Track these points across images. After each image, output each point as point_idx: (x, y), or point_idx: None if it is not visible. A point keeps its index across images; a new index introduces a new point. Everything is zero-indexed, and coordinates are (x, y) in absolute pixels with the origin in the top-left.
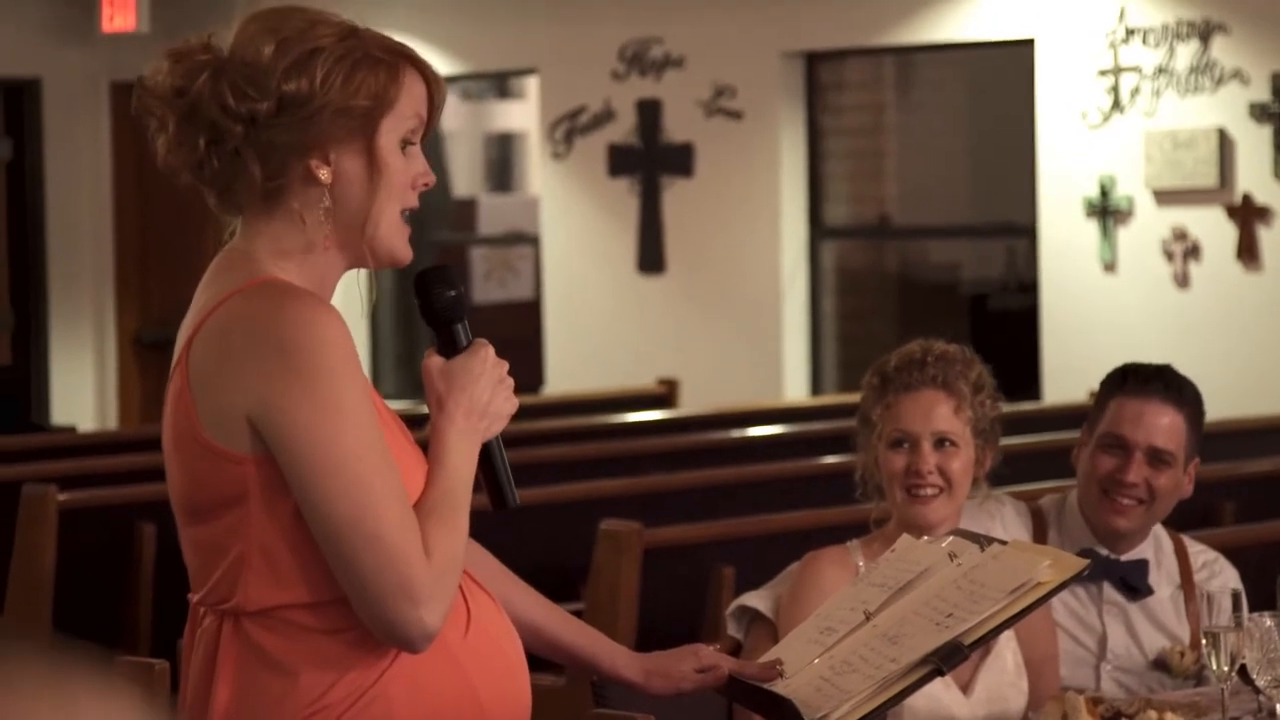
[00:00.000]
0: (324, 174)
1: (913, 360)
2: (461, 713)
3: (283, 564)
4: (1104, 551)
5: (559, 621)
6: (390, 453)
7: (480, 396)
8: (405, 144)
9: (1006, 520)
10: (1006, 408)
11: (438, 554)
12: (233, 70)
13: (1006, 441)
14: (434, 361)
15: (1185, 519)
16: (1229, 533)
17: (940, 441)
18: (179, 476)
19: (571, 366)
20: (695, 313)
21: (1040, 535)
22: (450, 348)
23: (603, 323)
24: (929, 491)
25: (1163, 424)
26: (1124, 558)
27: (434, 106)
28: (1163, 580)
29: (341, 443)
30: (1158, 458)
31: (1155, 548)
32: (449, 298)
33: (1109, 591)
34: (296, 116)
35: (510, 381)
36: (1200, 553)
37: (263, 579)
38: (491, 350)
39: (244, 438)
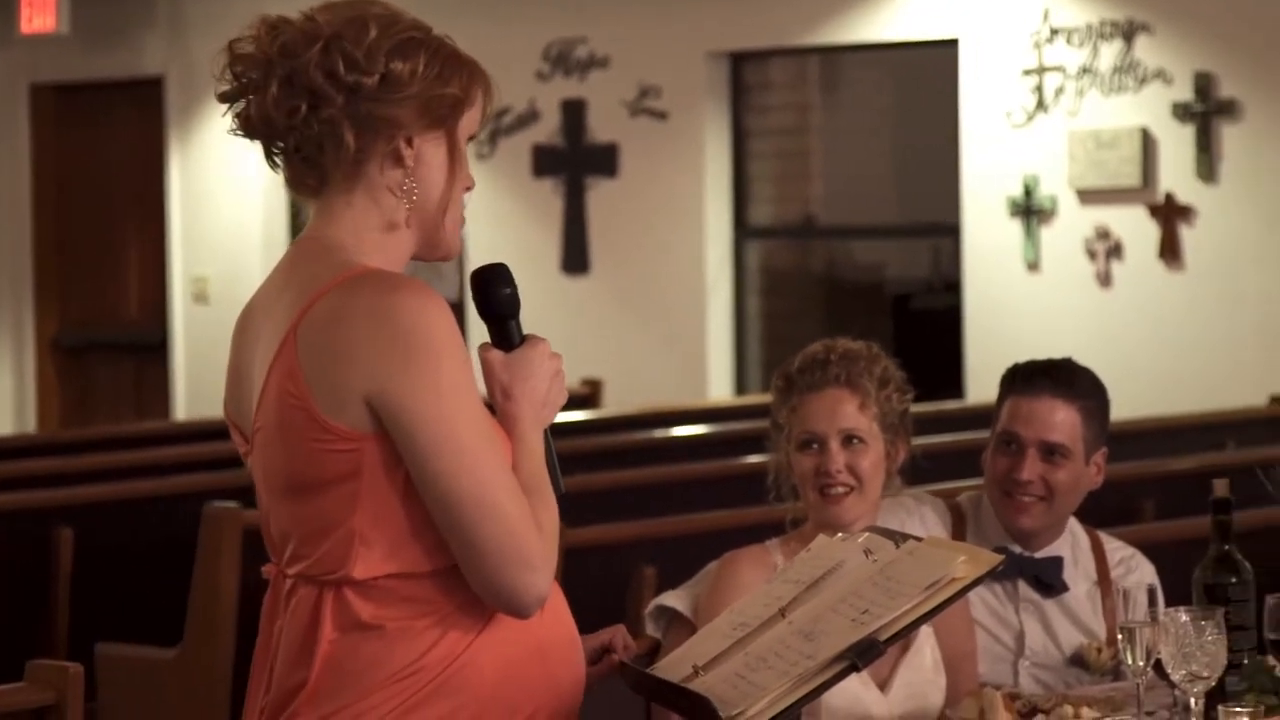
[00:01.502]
0: (409, 155)
1: (816, 360)
2: (534, 679)
3: (394, 536)
4: (1018, 549)
5: None
6: (497, 430)
7: (540, 387)
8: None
9: (925, 518)
10: (929, 407)
11: (545, 525)
12: (343, 42)
13: (930, 440)
14: (495, 355)
15: (1105, 516)
16: (1148, 530)
17: (848, 439)
18: (284, 454)
19: None
20: (620, 313)
21: (959, 532)
22: (506, 342)
23: (527, 324)
24: (840, 490)
25: (1055, 419)
26: (1038, 555)
27: (485, 116)
28: (1079, 577)
29: (460, 421)
30: (1051, 453)
31: (1071, 544)
32: (505, 294)
33: (1024, 589)
34: (395, 95)
35: (564, 374)
36: (1117, 549)
37: (374, 550)
38: (549, 344)
39: (363, 418)
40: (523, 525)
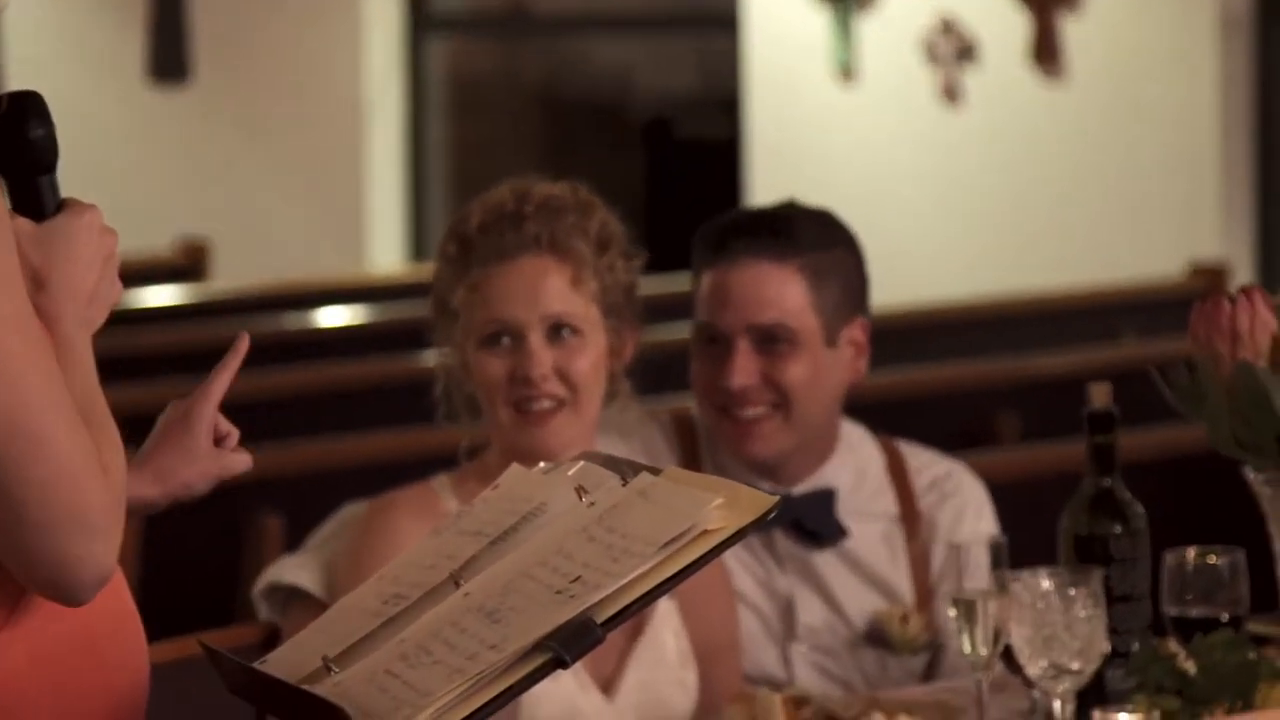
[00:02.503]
0: None
1: (503, 213)
2: (83, 680)
3: None
4: (766, 486)
5: None
6: (46, 336)
7: (85, 275)
8: None
9: (651, 441)
10: (689, 284)
11: (113, 470)
12: None
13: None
14: (22, 225)
15: (942, 436)
16: (1002, 459)
17: (556, 330)
18: None
19: None
20: (235, 143)
21: (691, 459)
22: (35, 207)
23: (96, 156)
24: (546, 405)
25: (764, 292)
26: (797, 490)
27: None
28: (869, 513)
29: None
30: (770, 338)
31: (852, 467)
32: (37, 137)
33: (782, 541)
34: None
35: (118, 259)
36: (927, 466)
37: None
38: (100, 215)
39: None
40: (84, 470)
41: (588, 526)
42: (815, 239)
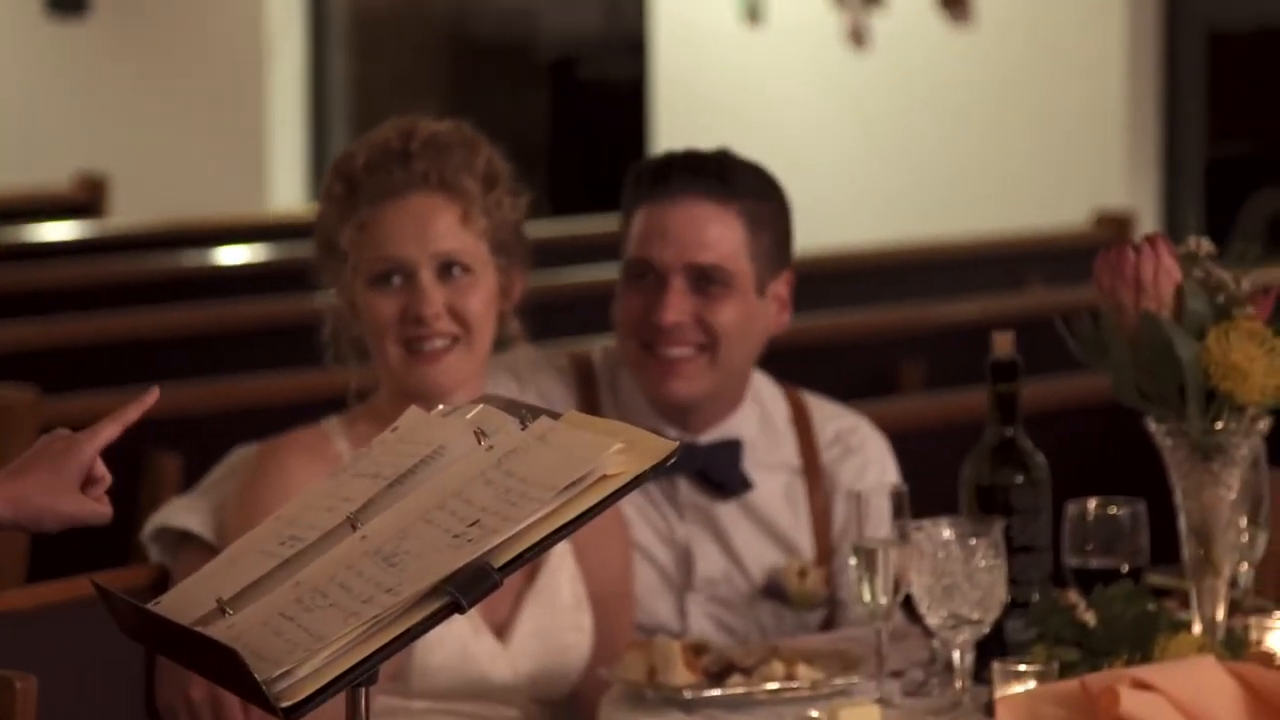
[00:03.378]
0: None
1: (390, 151)
2: None
3: None
4: (673, 433)
5: None
6: None
7: None
8: None
9: (544, 384)
10: (596, 224)
11: None
12: None
13: (583, 276)
14: None
15: (847, 387)
16: (906, 407)
17: (447, 268)
18: None
19: None
20: (135, 78)
21: (590, 405)
22: None
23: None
24: (438, 344)
25: (706, 234)
26: (703, 439)
27: None
28: (773, 464)
29: None
30: (706, 280)
31: (759, 418)
32: None
33: (686, 490)
34: None
35: None
36: (831, 419)
37: None
38: None
39: None
40: None
41: (486, 471)
42: (754, 188)
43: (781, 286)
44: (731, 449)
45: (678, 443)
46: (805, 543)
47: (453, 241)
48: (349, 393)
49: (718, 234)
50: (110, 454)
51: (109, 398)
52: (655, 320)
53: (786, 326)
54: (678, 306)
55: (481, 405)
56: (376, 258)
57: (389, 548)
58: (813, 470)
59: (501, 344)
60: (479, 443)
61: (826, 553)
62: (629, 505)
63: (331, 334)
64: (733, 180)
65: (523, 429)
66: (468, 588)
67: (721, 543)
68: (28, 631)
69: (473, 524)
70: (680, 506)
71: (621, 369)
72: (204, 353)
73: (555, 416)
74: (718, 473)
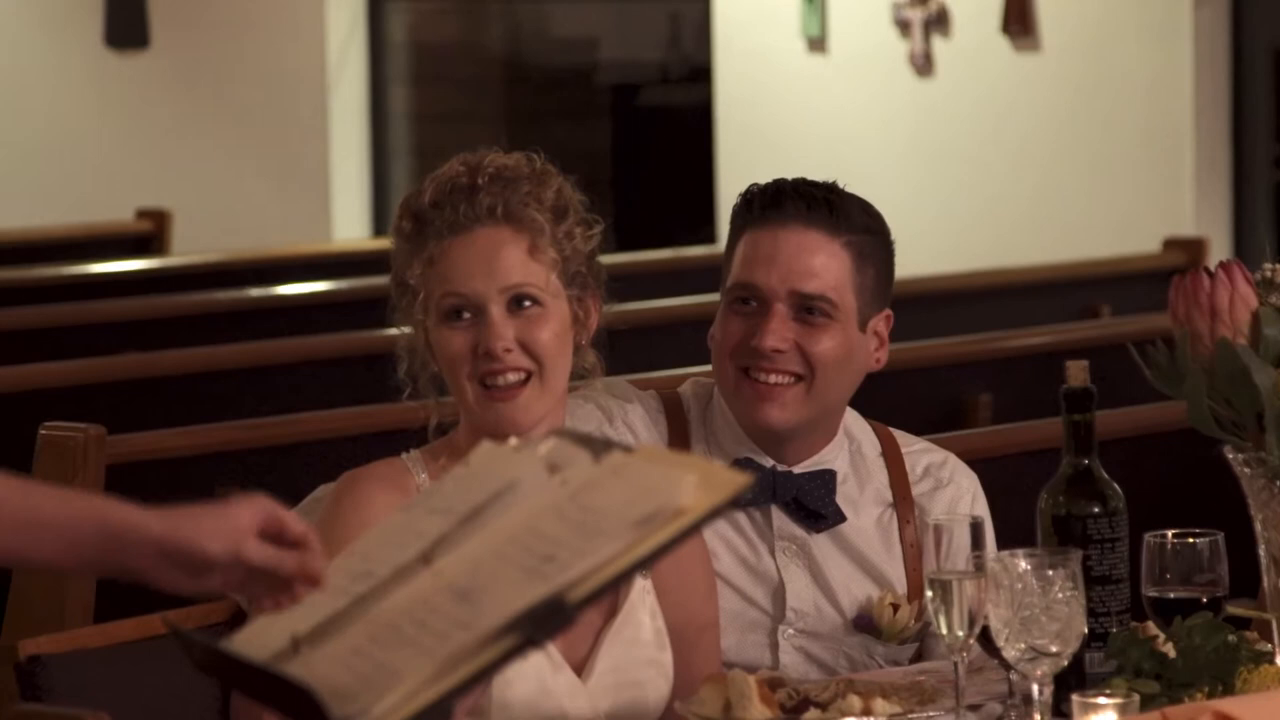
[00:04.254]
0: None
1: (457, 187)
2: None
3: None
4: (769, 462)
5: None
6: None
7: None
8: None
9: (633, 421)
10: (660, 254)
11: None
12: None
13: (657, 304)
14: None
15: (913, 417)
16: (979, 437)
17: (517, 301)
18: None
19: (3, 190)
20: (196, 110)
21: (678, 438)
22: None
23: (54, 124)
24: (510, 379)
25: (812, 262)
26: (797, 469)
27: None
28: (865, 498)
29: None
30: (809, 310)
31: (850, 451)
32: None
33: (780, 520)
34: None
35: None
36: (921, 453)
37: None
38: None
39: None
40: None
41: (560, 505)
42: (862, 222)
43: (881, 323)
44: (826, 479)
45: (751, 476)
46: (896, 576)
47: (521, 274)
48: (430, 429)
49: (824, 264)
50: (182, 488)
51: (174, 434)
52: (756, 345)
53: (883, 364)
54: (780, 333)
55: (554, 438)
56: (446, 293)
57: (463, 583)
58: (904, 503)
59: (579, 376)
60: (552, 476)
61: (918, 587)
62: (715, 537)
63: (408, 372)
64: (842, 213)
65: (596, 462)
66: (543, 623)
67: (813, 574)
68: (100, 669)
69: (547, 559)
70: (773, 539)
71: (713, 401)
72: (267, 387)
73: (628, 450)
74: (813, 501)
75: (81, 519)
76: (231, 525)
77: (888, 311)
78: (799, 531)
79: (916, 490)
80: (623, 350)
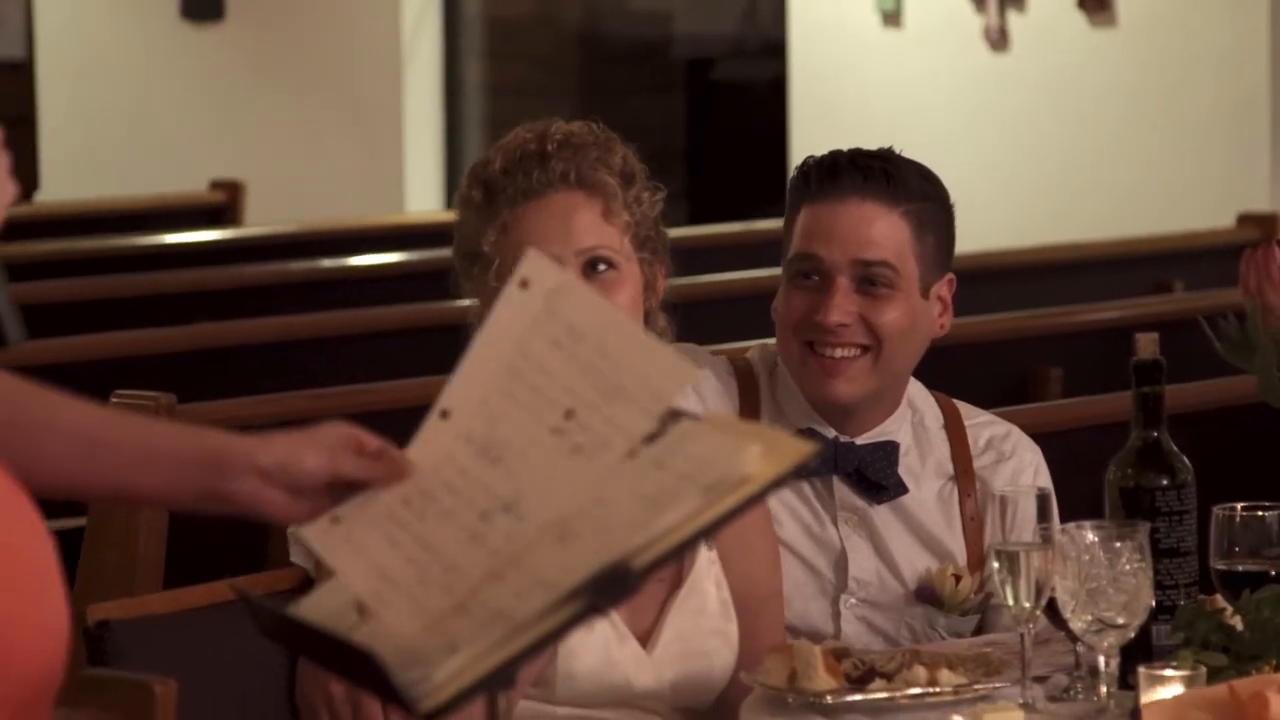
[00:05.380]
0: None
1: (527, 154)
2: None
3: None
4: (831, 433)
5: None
6: None
7: None
8: None
9: (703, 387)
10: (735, 227)
11: None
12: None
13: (733, 276)
14: None
15: (984, 391)
16: (1049, 410)
17: (593, 265)
18: None
19: (82, 161)
20: (270, 82)
21: (750, 405)
22: None
23: (132, 96)
24: None
25: (871, 231)
26: (860, 440)
27: None
28: (926, 471)
29: None
30: (872, 281)
31: (912, 422)
32: None
33: (842, 491)
34: None
35: (6, 161)
36: (984, 426)
37: None
38: None
39: None
40: None
41: (623, 471)
42: (920, 189)
43: (944, 288)
44: (889, 450)
45: (816, 444)
46: (958, 548)
47: (596, 237)
48: None
49: (883, 233)
50: None
51: (244, 403)
52: (820, 320)
53: (948, 330)
54: (843, 306)
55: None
56: (519, 258)
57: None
58: (966, 476)
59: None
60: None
61: (979, 558)
62: (780, 505)
63: None
64: (900, 182)
65: (661, 431)
66: (606, 589)
67: (875, 545)
68: (168, 635)
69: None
70: (835, 509)
71: (778, 369)
72: (340, 357)
73: (694, 417)
74: (875, 473)
75: (187, 449)
76: (323, 442)
77: (950, 276)
78: (860, 502)
79: (978, 463)
80: (694, 322)
